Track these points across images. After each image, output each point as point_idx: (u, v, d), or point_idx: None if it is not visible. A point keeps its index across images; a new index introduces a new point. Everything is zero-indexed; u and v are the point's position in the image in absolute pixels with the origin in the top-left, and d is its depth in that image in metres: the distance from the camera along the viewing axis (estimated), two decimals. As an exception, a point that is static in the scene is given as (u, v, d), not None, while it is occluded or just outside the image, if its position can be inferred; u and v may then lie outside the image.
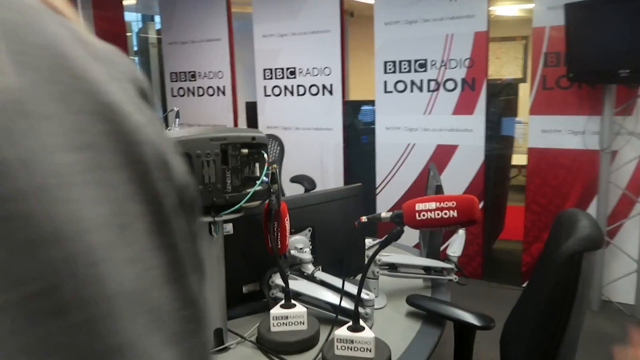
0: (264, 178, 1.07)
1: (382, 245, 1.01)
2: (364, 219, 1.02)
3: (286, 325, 1.17)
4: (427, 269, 1.44)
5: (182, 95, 4.58)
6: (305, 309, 1.18)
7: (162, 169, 0.25)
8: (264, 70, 4.05)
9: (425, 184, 1.90)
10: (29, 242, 0.19)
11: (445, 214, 0.92)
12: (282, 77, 3.97)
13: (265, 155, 1.06)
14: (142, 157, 0.24)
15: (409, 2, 3.37)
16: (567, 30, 2.79)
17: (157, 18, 5.83)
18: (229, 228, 1.27)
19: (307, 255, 1.31)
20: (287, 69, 3.94)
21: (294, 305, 1.18)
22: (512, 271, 3.42)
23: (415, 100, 3.44)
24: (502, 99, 3.98)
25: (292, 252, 1.32)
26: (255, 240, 1.26)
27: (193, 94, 4.51)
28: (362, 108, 4.04)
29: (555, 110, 3.05)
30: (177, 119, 2.02)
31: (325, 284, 1.28)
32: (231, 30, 4.25)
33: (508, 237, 4.14)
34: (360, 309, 1.19)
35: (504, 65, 6.91)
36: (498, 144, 3.75)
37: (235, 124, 4.37)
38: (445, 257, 1.46)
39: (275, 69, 4.00)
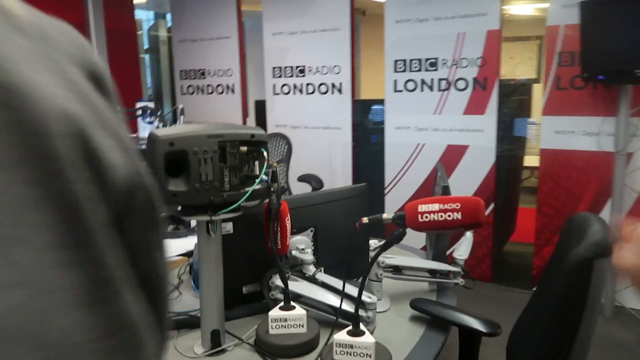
0: (264, 177, 1.04)
1: (384, 248, 0.98)
2: (365, 220, 0.99)
3: (285, 327, 1.14)
4: (433, 272, 1.40)
5: (192, 93, 4.57)
6: (304, 312, 1.15)
7: (87, 167, 0.21)
8: (274, 68, 4.03)
9: (433, 185, 1.86)
10: None
11: (449, 216, 0.89)
12: (292, 76, 3.95)
13: (265, 154, 1.03)
14: (53, 153, 0.20)
15: (421, 0, 3.32)
16: (582, 29, 2.73)
17: (169, 16, 5.84)
18: (228, 227, 1.24)
19: (308, 256, 1.28)
20: (297, 67, 3.91)
21: (293, 308, 1.15)
22: (522, 274, 3.36)
23: (425, 100, 3.39)
24: (514, 99, 3.91)
25: (294, 252, 1.29)
26: (256, 240, 1.24)
27: (202, 92, 4.51)
28: (372, 107, 4.01)
29: (569, 111, 2.98)
30: (182, 116, 2.00)
31: (327, 285, 1.25)
32: (241, 28, 4.23)
33: (519, 239, 4.07)
34: (362, 312, 1.15)
35: (518, 65, 6.82)
36: (510, 144, 3.69)
37: (244, 123, 4.36)
38: (452, 260, 1.42)
39: (285, 67, 3.97)
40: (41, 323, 0.18)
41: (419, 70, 3.39)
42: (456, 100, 3.29)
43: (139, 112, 2.00)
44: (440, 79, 3.33)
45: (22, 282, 0.18)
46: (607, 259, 0.81)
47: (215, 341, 1.13)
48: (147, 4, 6.13)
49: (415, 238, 1.26)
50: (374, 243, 1.66)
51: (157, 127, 2.31)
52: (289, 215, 1.19)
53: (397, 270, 1.37)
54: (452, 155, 3.34)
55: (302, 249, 1.30)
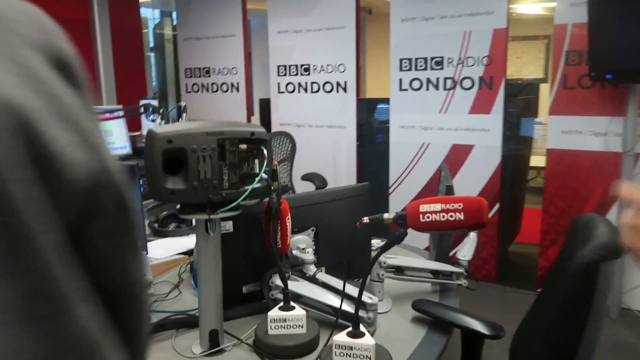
0: (264, 175, 1.03)
1: (384, 248, 0.96)
2: (365, 219, 0.97)
3: (284, 328, 1.12)
4: (436, 273, 1.38)
5: (197, 92, 4.57)
6: (304, 312, 1.13)
7: (31, 165, 0.19)
8: (278, 66, 4.02)
9: (437, 185, 1.84)
10: None
11: (452, 216, 0.87)
12: (296, 74, 3.93)
13: (265, 152, 1.02)
14: None
15: (426, -2, 3.29)
16: (589, 28, 2.69)
17: (175, 14, 5.84)
18: (228, 226, 1.23)
19: (309, 256, 1.27)
20: (301, 65, 3.90)
21: (293, 308, 1.14)
22: (527, 275, 3.33)
23: (430, 99, 3.37)
24: (521, 99, 3.87)
25: (294, 252, 1.28)
26: (257, 239, 1.22)
27: (207, 90, 4.50)
28: (378, 106, 3.98)
29: (576, 111, 2.95)
30: (185, 114, 1.99)
31: (327, 286, 1.23)
32: (246, 26, 4.22)
33: (524, 240, 4.04)
34: (363, 313, 1.14)
35: (525, 65, 6.77)
36: (516, 144, 3.66)
37: (249, 121, 4.35)
38: (455, 261, 1.40)
39: (290, 66, 3.96)
40: None
41: (425, 69, 3.37)
42: (462, 100, 3.26)
43: (141, 109, 2.00)
44: (445, 78, 3.30)
45: None
46: (614, 262, 0.79)
47: (214, 341, 1.11)
48: (153, 2, 6.14)
49: (418, 238, 1.24)
50: (376, 243, 1.65)
51: (160, 124, 2.30)
52: (289, 214, 1.18)
53: (399, 270, 1.35)
54: (458, 155, 3.32)
55: (303, 249, 1.28)
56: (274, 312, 1.13)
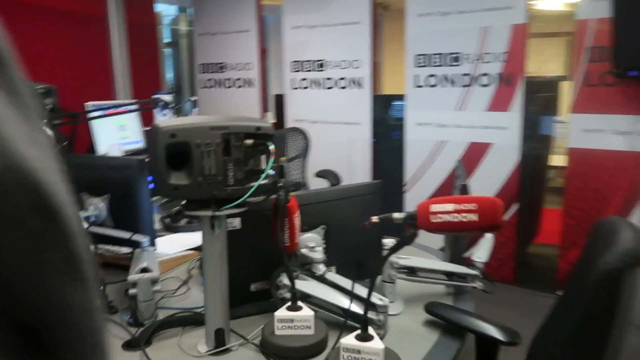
0: (270, 171, 1.00)
1: (394, 249, 0.92)
2: (375, 219, 0.93)
3: (291, 329, 1.09)
4: (450, 275, 1.34)
5: (211, 87, 4.56)
6: (312, 313, 1.10)
7: None
8: (293, 62, 3.98)
9: (453, 183, 1.78)
10: None
11: (465, 217, 0.82)
12: (311, 70, 3.89)
13: (272, 147, 0.98)
14: None
15: (444, -7, 3.23)
16: (613, 23, 2.60)
17: (191, 10, 5.84)
18: (236, 223, 1.20)
19: (318, 255, 1.23)
20: (316, 61, 3.86)
21: (301, 308, 1.11)
22: (546, 278, 3.25)
23: (447, 96, 3.30)
24: (541, 97, 3.78)
25: (303, 250, 1.24)
26: (265, 236, 1.19)
27: (222, 85, 4.49)
28: (394, 103, 3.93)
29: (599, 109, 2.85)
30: (196, 108, 1.97)
31: (337, 286, 1.19)
32: (261, 21, 4.20)
33: (543, 241, 3.94)
34: (373, 315, 1.10)
35: (547, 62, 6.63)
36: (535, 143, 3.57)
37: (263, 117, 4.33)
38: (470, 263, 1.35)
39: (304, 62, 3.92)
40: None
41: (441, 65, 3.30)
42: (479, 97, 3.19)
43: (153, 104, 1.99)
44: (462, 74, 3.23)
45: None
46: (639, 269, 0.74)
47: (219, 340, 1.09)
48: (170, -2, 6.15)
49: (433, 238, 1.20)
50: (389, 242, 1.60)
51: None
52: (298, 211, 1.14)
53: (411, 271, 1.31)
54: (475, 153, 3.25)
55: (312, 247, 1.25)
56: (281, 312, 1.09)
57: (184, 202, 1.01)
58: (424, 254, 1.69)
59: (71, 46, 3.75)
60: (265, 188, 1.00)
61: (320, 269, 1.24)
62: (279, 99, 4.29)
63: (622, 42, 2.58)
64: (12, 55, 0.21)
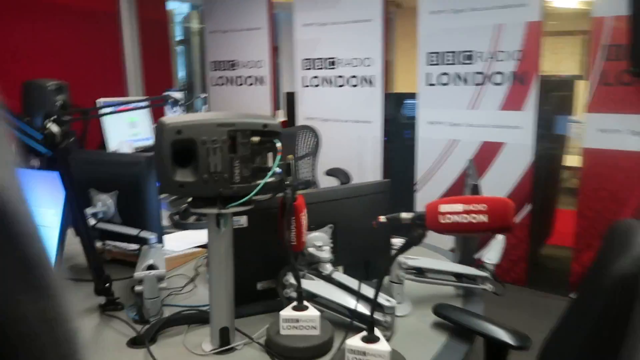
0: (277, 169, 0.98)
1: (401, 250, 0.90)
2: (382, 219, 0.91)
3: (297, 329, 1.08)
4: (459, 276, 1.31)
5: (223, 85, 4.56)
6: (318, 313, 1.08)
7: None
8: (304, 60, 3.97)
9: (464, 183, 1.76)
10: None
11: (474, 218, 0.80)
12: (322, 68, 3.87)
13: (278, 145, 0.97)
14: None
15: (457, -10, 3.19)
16: (630, 20, 2.54)
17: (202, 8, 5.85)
18: (242, 221, 1.19)
19: (325, 254, 1.22)
20: (327, 59, 3.84)
21: (306, 308, 1.09)
22: (559, 280, 3.20)
23: (459, 94, 3.26)
24: (555, 95, 3.72)
25: (310, 249, 1.23)
26: (272, 234, 1.18)
27: (233, 83, 4.49)
28: (406, 101, 3.89)
29: (615, 108, 2.79)
30: (205, 106, 1.96)
31: (343, 286, 1.18)
32: (271, 19, 4.19)
33: (556, 242, 3.89)
34: (380, 316, 1.08)
35: (562, 60, 6.53)
36: (549, 143, 3.51)
37: (274, 115, 4.32)
38: (480, 264, 1.32)
39: (315, 59, 3.90)
40: None
41: (453, 63, 3.26)
42: (492, 95, 3.15)
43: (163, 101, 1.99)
44: (475, 73, 3.19)
45: None
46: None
47: (224, 339, 1.08)
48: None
49: (442, 239, 1.18)
50: (398, 242, 1.58)
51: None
52: (305, 210, 1.13)
53: (420, 272, 1.29)
54: (487, 153, 3.20)
55: (320, 246, 1.23)
56: (286, 312, 1.08)
57: (190, 199, 1.00)
58: (434, 254, 1.67)
59: (84, 43, 3.77)
60: (272, 186, 0.99)
61: (327, 268, 1.22)
62: (290, 97, 4.28)
63: (640, 40, 2.53)
64: None
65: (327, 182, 3.16)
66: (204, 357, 1.07)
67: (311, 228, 1.23)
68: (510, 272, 3.18)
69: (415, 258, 1.29)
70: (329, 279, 1.21)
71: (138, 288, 1.21)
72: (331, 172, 3.11)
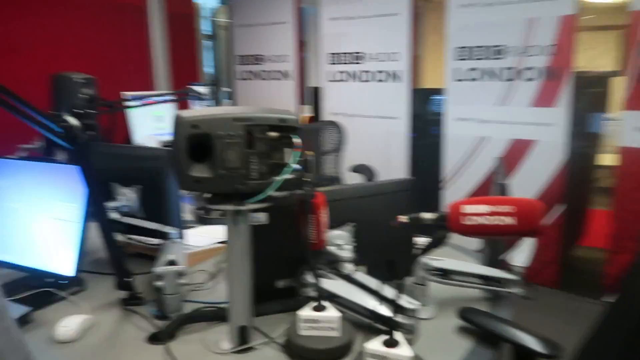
0: (296, 165, 0.95)
1: (424, 251, 0.86)
2: (403, 218, 0.87)
3: (316, 329, 1.05)
4: (486, 279, 1.26)
5: (248, 79, 4.56)
6: (338, 314, 1.05)
7: None
8: (330, 54, 3.93)
9: (492, 182, 1.69)
10: None
11: (501, 220, 0.75)
12: (348, 62, 3.83)
13: (297, 140, 0.94)
14: None
15: (489, -17, 3.09)
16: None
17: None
18: (262, 217, 1.16)
19: (346, 253, 1.19)
20: (353, 53, 3.79)
21: (326, 308, 1.06)
22: (592, 282, 3.09)
23: (489, 90, 3.17)
24: (590, 92, 3.58)
25: (331, 248, 1.20)
26: (292, 232, 1.15)
27: (258, 77, 4.48)
28: (433, 97, 3.81)
29: (655, 105, 2.67)
30: (230, 100, 1.95)
31: (364, 286, 1.14)
32: (298, 13, 4.16)
33: (590, 244, 3.75)
34: (403, 319, 1.04)
35: (598, 56, 6.30)
36: (583, 141, 3.38)
37: (299, 110, 4.30)
38: (508, 266, 1.26)
39: (341, 54, 3.86)
40: None
41: (483, 58, 3.17)
42: (523, 91, 3.04)
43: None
44: (506, 68, 3.09)
45: None
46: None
47: (242, 338, 1.06)
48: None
49: (469, 239, 1.13)
50: (422, 241, 1.53)
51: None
52: (325, 208, 1.10)
53: (445, 274, 1.24)
54: (517, 151, 3.11)
55: (341, 245, 1.20)
56: (305, 312, 1.05)
57: (209, 195, 0.98)
58: (460, 255, 1.61)
59: (111, 37, 3.82)
60: (291, 183, 0.96)
61: (348, 268, 1.19)
62: (316, 92, 4.25)
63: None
64: None
65: (352, 179, 3.12)
66: (222, 356, 1.05)
67: (332, 226, 1.20)
68: (541, 273, 3.08)
69: (439, 259, 1.24)
70: (349, 278, 1.18)
71: (158, 283, 1.20)
72: (356, 169, 3.08)
